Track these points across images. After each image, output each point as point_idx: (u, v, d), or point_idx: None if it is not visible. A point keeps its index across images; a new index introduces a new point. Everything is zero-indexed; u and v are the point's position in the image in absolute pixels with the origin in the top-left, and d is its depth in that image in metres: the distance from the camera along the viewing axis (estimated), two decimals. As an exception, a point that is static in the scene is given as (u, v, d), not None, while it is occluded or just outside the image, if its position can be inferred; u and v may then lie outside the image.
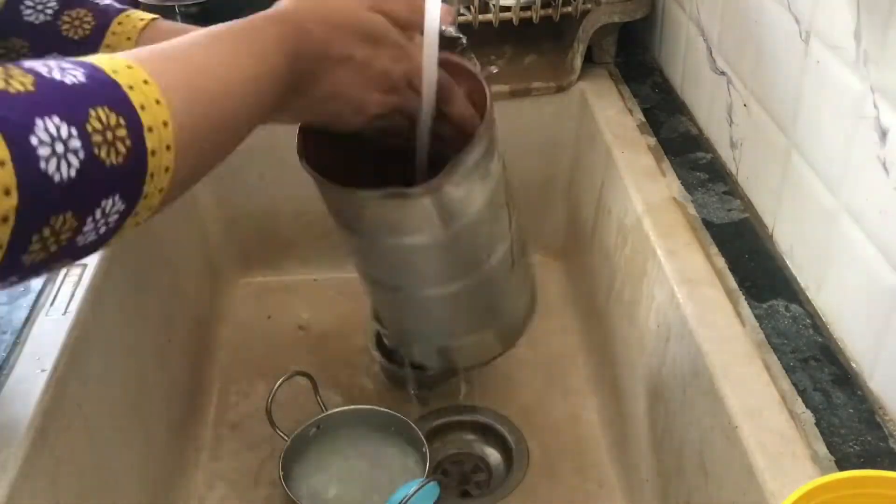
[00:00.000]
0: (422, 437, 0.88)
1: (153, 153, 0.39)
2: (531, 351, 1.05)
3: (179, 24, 0.68)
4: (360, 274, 0.70)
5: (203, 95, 0.43)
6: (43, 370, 0.68)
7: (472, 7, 0.97)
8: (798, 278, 0.73)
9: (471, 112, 0.61)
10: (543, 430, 0.95)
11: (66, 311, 0.74)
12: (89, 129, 0.36)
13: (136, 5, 1.25)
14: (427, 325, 0.71)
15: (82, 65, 0.38)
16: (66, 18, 0.63)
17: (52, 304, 0.74)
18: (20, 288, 0.77)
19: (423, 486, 0.80)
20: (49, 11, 0.63)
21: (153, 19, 0.65)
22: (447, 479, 0.92)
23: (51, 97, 0.35)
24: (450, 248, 0.62)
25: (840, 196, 0.65)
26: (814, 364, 0.65)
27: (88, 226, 0.37)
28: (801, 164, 0.70)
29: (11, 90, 0.34)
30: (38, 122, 0.34)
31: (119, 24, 0.64)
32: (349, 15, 0.53)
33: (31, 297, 0.75)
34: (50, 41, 0.62)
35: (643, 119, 0.97)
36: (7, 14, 0.62)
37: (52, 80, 0.36)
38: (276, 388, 0.90)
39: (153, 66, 0.41)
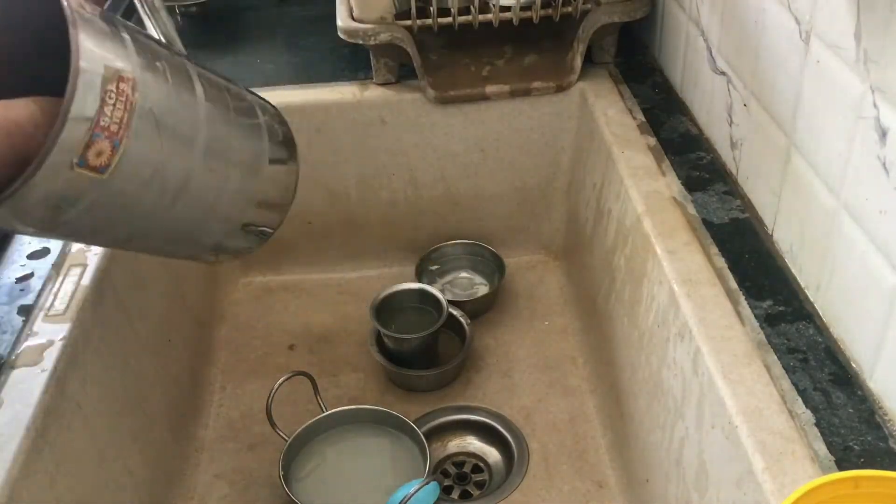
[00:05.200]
0: (422, 437, 0.88)
1: None
2: (531, 351, 1.05)
3: None
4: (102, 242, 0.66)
5: None
6: (43, 370, 0.68)
7: (472, 7, 0.97)
8: (798, 278, 0.73)
9: None
10: (543, 430, 0.95)
11: (66, 311, 0.74)
12: None
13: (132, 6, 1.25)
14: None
15: None
16: None
17: (52, 304, 0.74)
18: (20, 288, 0.77)
19: (423, 486, 0.80)
20: None
21: None
22: (447, 479, 0.92)
23: None
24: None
25: (840, 196, 0.65)
26: (814, 364, 0.65)
27: None
28: (801, 164, 0.70)
29: None
30: None
31: None
32: None
33: (31, 296, 0.75)
34: None
35: (643, 119, 0.97)
36: None
37: None
38: (276, 388, 0.90)
39: None
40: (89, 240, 0.65)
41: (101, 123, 0.52)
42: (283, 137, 0.72)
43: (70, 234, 0.60)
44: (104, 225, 0.59)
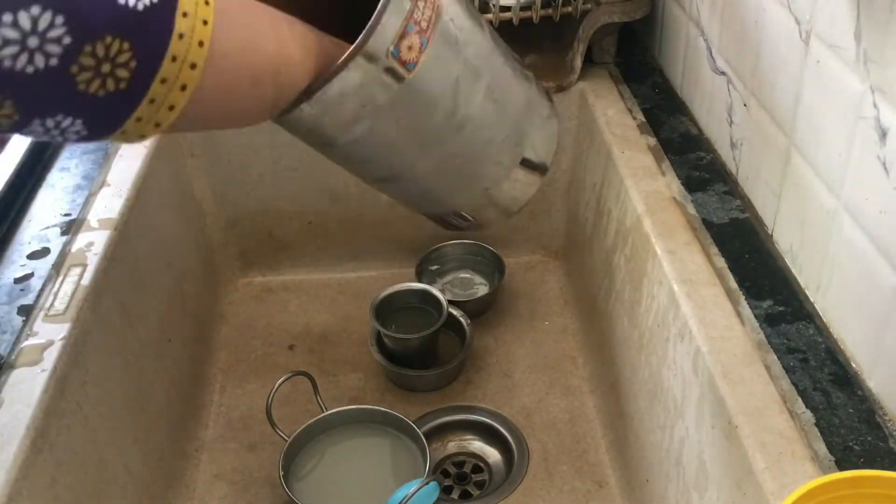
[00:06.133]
0: (422, 437, 0.88)
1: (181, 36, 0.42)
2: (531, 351, 1.05)
3: None
4: (382, 177, 0.64)
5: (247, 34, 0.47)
6: (43, 370, 0.68)
7: (472, 7, 0.97)
8: (798, 278, 0.73)
9: None
10: (543, 430, 0.95)
11: (66, 311, 0.74)
12: None
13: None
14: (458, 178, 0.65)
15: None
16: None
17: (52, 304, 0.74)
18: (20, 288, 0.77)
19: (423, 486, 0.80)
20: None
21: None
22: (447, 479, 0.92)
23: None
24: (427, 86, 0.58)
25: (840, 196, 0.65)
26: (814, 364, 0.65)
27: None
28: (801, 164, 0.70)
29: None
30: None
31: None
32: None
33: (31, 296, 0.75)
34: None
35: (643, 119, 0.97)
36: None
37: None
38: (276, 388, 0.90)
39: None
40: (367, 163, 0.62)
41: (415, 17, 0.53)
42: (544, 89, 0.71)
43: (358, 146, 0.59)
44: (390, 145, 0.59)
